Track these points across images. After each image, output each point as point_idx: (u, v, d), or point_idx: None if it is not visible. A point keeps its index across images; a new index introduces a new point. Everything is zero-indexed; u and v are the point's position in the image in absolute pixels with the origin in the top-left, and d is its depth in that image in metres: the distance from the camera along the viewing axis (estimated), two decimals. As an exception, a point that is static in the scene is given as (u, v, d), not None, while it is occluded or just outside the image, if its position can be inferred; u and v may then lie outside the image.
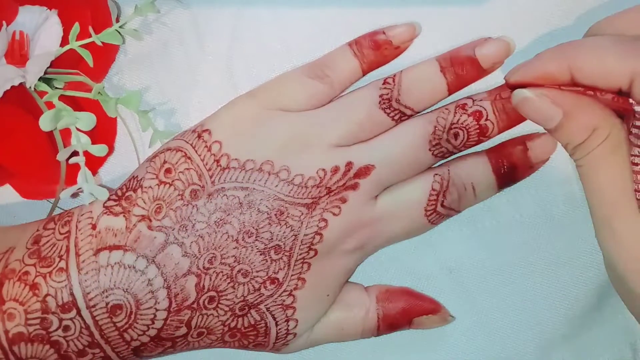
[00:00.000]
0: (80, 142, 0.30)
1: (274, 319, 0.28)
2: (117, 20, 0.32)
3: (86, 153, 0.30)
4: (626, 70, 0.23)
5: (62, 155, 0.30)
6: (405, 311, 0.30)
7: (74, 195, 0.31)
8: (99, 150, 0.30)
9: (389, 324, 0.30)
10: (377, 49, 0.30)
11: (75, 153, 0.30)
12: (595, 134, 0.25)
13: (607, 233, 0.25)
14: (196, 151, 0.28)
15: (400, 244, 0.32)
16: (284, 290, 0.28)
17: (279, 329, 0.29)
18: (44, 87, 0.30)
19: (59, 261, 0.27)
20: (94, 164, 0.32)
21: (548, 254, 0.32)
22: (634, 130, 0.24)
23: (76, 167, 0.30)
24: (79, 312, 0.26)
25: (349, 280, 0.31)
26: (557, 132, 0.26)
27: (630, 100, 0.23)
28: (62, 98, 0.31)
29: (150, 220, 0.27)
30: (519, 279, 0.32)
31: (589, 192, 0.26)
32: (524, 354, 0.32)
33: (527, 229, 0.32)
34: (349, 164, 0.28)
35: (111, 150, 0.33)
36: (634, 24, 0.25)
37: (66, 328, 0.26)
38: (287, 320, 0.29)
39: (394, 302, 0.31)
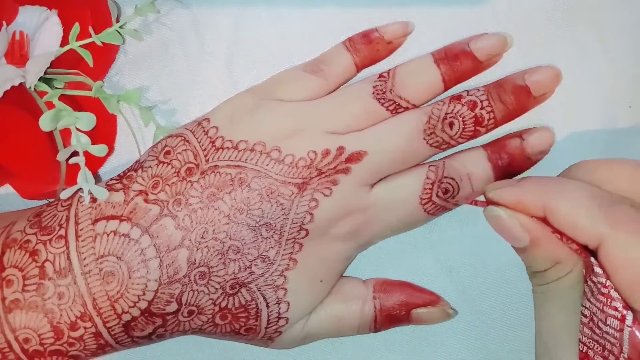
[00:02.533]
0: (80, 142, 0.30)
1: (265, 299, 0.29)
2: (117, 20, 0.32)
3: (86, 153, 0.30)
4: (596, 234, 0.23)
5: (62, 155, 0.30)
6: (403, 302, 0.31)
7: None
8: (99, 150, 0.31)
9: (386, 317, 0.30)
10: (369, 44, 0.31)
11: (75, 153, 0.30)
12: (556, 267, 0.25)
13: None
14: (194, 135, 0.29)
15: (399, 243, 0.32)
16: (275, 270, 0.28)
17: (270, 312, 0.29)
18: (44, 87, 0.30)
19: (59, 229, 0.28)
20: (94, 163, 0.32)
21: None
22: (589, 283, 0.24)
23: (76, 167, 0.30)
24: (74, 279, 0.27)
25: (346, 276, 0.32)
26: (522, 254, 0.26)
27: (592, 259, 0.23)
28: (62, 98, 0.31)
29: (147, 194, 0.28)
30: (518, 279, 0.32)
31: (537, 320, 0.26)
32: (524, 354, 0.32)
33: (527, 229, 0.32)
34: (341, 148, 0.29)
35: (111, 150, 0.33)
36: (613, 178, 0.24)
37: (60, 295, 0.27)
38: (278, 303, 0.29)
39: (391, 293, 0.31)
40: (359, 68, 0.31)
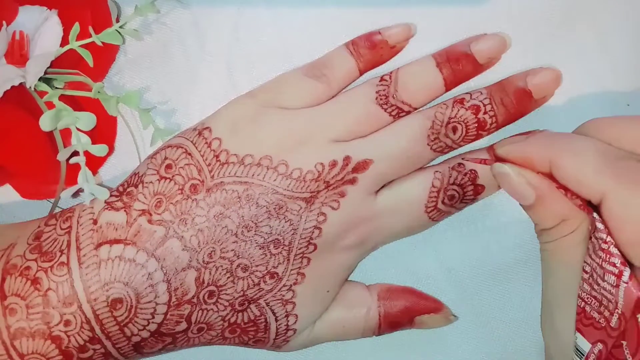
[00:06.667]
0: (81, 142, 0.30)
1: (274, 314, 0.29)
2: (117, 20, 0.32)
3: (86, 153, 0.30)
4: (598, 188, 0.23)
5: (62, 155, 0.30)
6: (407, 309, 0.31)
7: (74, 195, 0.31)
8: (99, 150, 0.30)
9: (390, 323, 0.30)
10: (373, 49, 0.30)
11: (75, 153, 0.30)
12: (563, 224, 0.25)
13: (548, 320, 0.26)
14: (196, 147, 0.28)
15: (400, 243, 0.32)
16: (284, 285, 0.28)
17: (279, 325, 0.29)
18: (44, 87, 0.30)
19: (60, 255, 0.27)
20: (94, 164, 0.32)
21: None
22: (593, 240, 0.24)
23: (76, 167, 0.30)
24: (79, 307, 0.27)
25: (350, 279, 0.32)
26: (529, 211, 0.26)
27: (595, 215, 0.23)
28: (62, 98, 0.31)
29: (151, 215, 0.28)
30: (518, 279, 0.32)
31: (544, 276, 0.26)
32: (524, 354, 0.32)
33: (527, 229, 0.32)
34: (347, 159, 0.28)
35: (111, 150, 0.33)
36: (623, 136, 0.24)
37: (67, 323, 0.27)
38: (287, 316, 0.29)
39: (395, 300, 0.31)
40: (361, 72, 0.31)
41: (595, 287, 0.23)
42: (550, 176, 0.24)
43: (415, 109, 0.30)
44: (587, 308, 0.24)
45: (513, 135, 0.30)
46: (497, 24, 0.32)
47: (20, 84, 0.29)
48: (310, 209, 0.28)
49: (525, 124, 0.31)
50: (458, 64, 0.30)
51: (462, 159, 0.30)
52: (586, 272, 0.24)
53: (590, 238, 0.24)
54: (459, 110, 0.29)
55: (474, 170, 0.30)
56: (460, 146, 0.30)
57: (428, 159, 0.30)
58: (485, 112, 0.29)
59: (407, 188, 0.30)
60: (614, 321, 0.23)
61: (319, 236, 0.28)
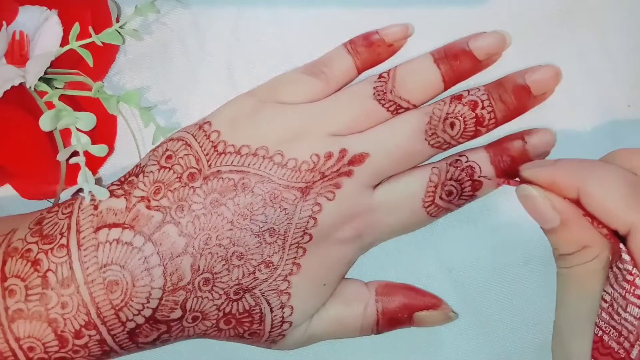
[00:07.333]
0: (80, 142, 0.30)
1: (269, 304, 0.29)
2: (117, 20, 0.32)
3: (86, 153, 0.30)
4: (626, 221, 0.23)
5: (62, 156, 0.30)
6: (405, 305, 0.31)
7: (74, 195, 0.31)
8: (99, 150, 0.31)
9: (388, 320, 0.30)
10: (370, 47, 0.31)
11: (75, 153, 0.30)
12: (584, 251, 0.25)
13: (560, 344, 0.25)
14: (196, 139, 0.29)
15: (400, 242, 0.32)
16: (279, 275, 0.28)
17: (274, 316, 0.29)
18: (44, 87, 0.30)
19: (60, 238, 0.28)
20: (94, 164, 0.32)
21: (548, 254, 0.32)
22: (615, 270, 0.24)
23: (76, 167, 0.30)
24: (77, 288, 0.27)
25: (348, 277, 0.32)
26: (550, 235, 0.26)
27: (621, 246, 0.23)
28: (62, 98, 0.31)
29: (149, 201, 0.28)
30: (518, 279, 0.32)
31: (559, 300, 0.26)
32: (524, 354, 0.32)
33: (527, 229, 0.32)
34: (343, 151, 0.29)
35: (111, 150, 0.33)
36: None
37: (64, 305, 0.27)
38: (282, 307, 0.29)
39: (393, 296, 0.31)
40: (359, 70, 0.31)
41: (616, 317, 0.24)
42: (577, 203, 0.24)
43: (415, 105, 0.30)
44: (605, 338, 0.24)
45: (512, 133, 0.30)
46: (497, 23, 0.32)
47: (20, 84, 0.29)
48: (305, 198, 0.28)
49: (524, 123, 0.31)
50: (456, 60, 0.30)
51: (462, 161, 0.30)
52: (606, 302, 0.24)
53: (612, 267, 0.24)
54: (456, 105, 0.29)
55: (472, 166, 0.30)
56: (459, 143, 0.30)
57: (426, 155, 0.30)
58: (483, 108, 0.29)
59: (404, 183, 0.30)
60: (634, 353, 0.23)
61: (314, 226, 0.28)
